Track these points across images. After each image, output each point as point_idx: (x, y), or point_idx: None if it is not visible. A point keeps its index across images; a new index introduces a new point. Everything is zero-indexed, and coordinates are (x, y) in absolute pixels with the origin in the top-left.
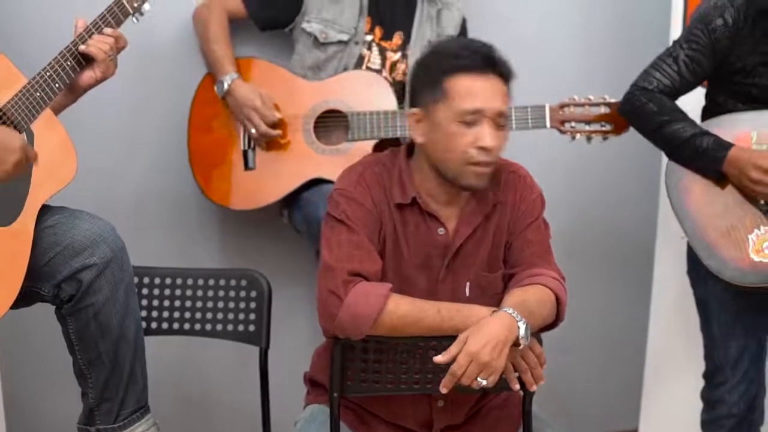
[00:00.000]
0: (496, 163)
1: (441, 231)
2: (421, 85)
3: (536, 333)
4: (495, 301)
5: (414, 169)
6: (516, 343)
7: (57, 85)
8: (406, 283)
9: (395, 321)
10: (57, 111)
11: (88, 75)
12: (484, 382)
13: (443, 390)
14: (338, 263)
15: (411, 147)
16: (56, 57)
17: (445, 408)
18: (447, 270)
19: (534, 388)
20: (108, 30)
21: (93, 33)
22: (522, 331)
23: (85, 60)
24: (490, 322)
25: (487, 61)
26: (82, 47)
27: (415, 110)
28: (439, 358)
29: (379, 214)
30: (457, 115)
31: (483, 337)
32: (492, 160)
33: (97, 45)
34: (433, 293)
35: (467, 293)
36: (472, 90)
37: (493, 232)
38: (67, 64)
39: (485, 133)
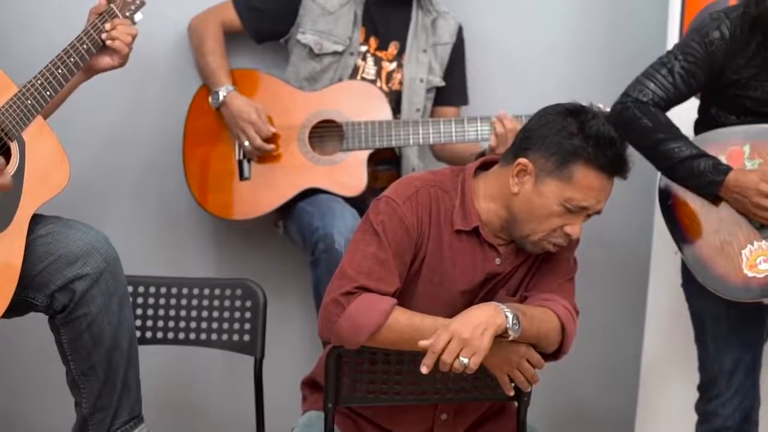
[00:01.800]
0: None
1: (498, 261)
2: (549, 149)
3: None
4: None
5: (479, 195)
6: (504, 334)
7: (48, 92)
8: (438, 303)
9: (392, 336)
10: (71, 89)
11: (106, 60)
12: (466, 361)
13: (423, 369)
14: (355, 274)
15: (477, 168)
16: (47, 65)
17: (447, 422)
18: (485, 294)
19: (528, 388)
20: (128, 21)
21: (85, 42)
22: (509, 322)
23: (88, 57)
24: (475, 308)
25: (619, 167)
26: (108, 42)
27: (527, 163)
28: (423, 343)
29: (419, 236)
30: (567, 201)
31: (465, 318)
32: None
33: (121, 38)
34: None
35: None
36: (593, 188)
37: (530, 260)
38: (59, 72)
39: (576, 226)
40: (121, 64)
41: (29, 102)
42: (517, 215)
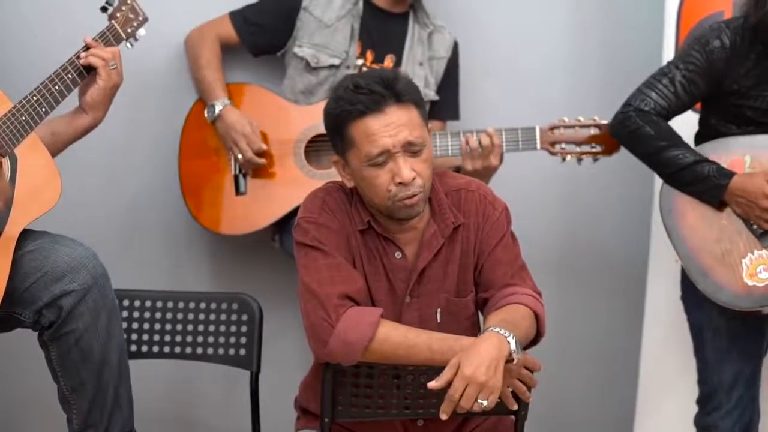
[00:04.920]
0: (423, 188)
1: (398, 255)
2: (332, 135)
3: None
4: (467, 325)
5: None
6: (509, 359)
7: (44, 109)
8: (375, 305)
9: (386, 350)
10: (79, 132)
11: (92, 89)
12: (485, 403)
13: (443, 416)
14: (322, 288)
15: None
16: (44, 81)
17: (423, 428)
18: (411, 296)
19: (529, 397)
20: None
21: (76, 63)
22: (513, 345)
23: (86, 74)
24: (480, 343)
25: (381, 98)
26: (83, 60)
27: (336, 158)
28: (433, 384)
29: (346, 237)
30: (366, 160)
31: (476, 358)
32: (417, 190)
33: (97, 54)
34: (398, 319)
35: (438, 320)
36: (372, 132)
37: (459, 255)
38: (55, 89)
39: (400, 168)
40: (108, 84)
41: (23, 118)
42: (367, 198)
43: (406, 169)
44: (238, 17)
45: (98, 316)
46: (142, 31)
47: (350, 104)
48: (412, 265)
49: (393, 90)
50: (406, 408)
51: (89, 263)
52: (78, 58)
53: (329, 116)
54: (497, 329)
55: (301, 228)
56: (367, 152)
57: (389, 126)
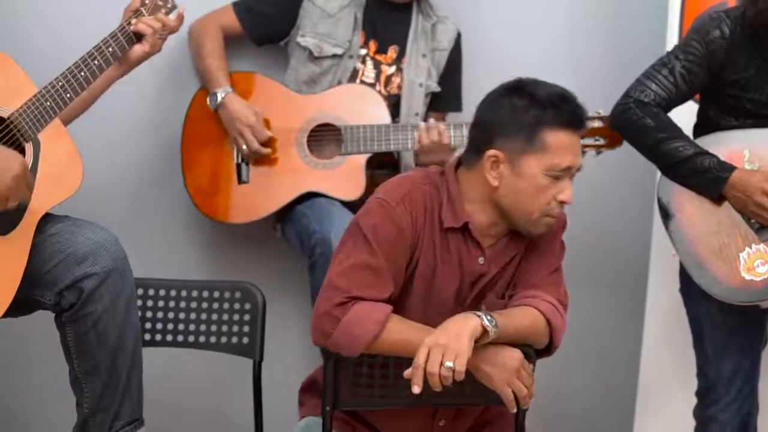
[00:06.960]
0: None
1: (481, 260)
2: (512, 130)
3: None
4: None
5: (465, 193)
6: (484, 334)
7: (68, 95)
8: (431, 305)
9: (389, 346)
10: (108, 83)
11: (139, 48)
12: (450, 364)
13: (415, 390)
14: (345, 285)
15: (456, 166)
16: (70, 67)
17: (445, 428)
18: (474, 299)
19: (527, 404)
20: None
21: (111, 45)
22: (485, 321)
23: (135, 40)
24: (446, 321)
25: (580, 119)
26: (133, 27)
27: (497, 153)
28: (408, 372)
29: (415, 236)
30: (550, 170)
31: (439, 329)
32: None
33: (148, 22)
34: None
35: None
36: (567, 146)
37: (517, 262)
38: (81, 75)
39: (567, 188)
40: (153, 50)
41: (48, 104)
42: (508, 204)
43: (571, 191)
44: (241, 7)
45: (117, 299)
46: (173, 16)
47: (556, 111)
48: (486, 270)
49: (584, 118)
50: (407, 398)
51: (111, 247)
52: (129, 24)
53: (516, 110)
54: (471, 312)
55: (370, 206)
56: (554, 163)
57: (575, 146)
